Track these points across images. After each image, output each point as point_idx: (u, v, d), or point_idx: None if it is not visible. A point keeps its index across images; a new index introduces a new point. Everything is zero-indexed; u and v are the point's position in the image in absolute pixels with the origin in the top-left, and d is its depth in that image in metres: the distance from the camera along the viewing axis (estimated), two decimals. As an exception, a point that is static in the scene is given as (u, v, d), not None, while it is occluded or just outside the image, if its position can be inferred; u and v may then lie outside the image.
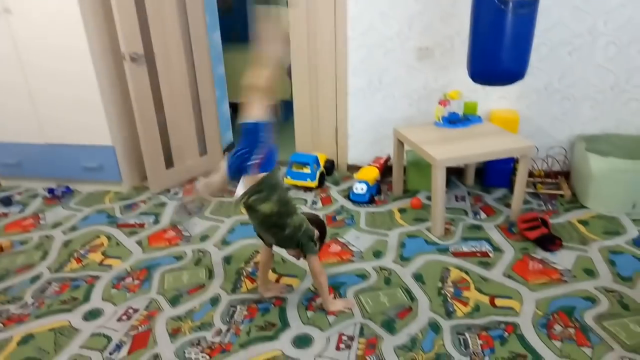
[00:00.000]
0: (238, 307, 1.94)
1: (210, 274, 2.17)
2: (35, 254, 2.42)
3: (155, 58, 2.85)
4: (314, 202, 2.84)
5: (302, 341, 1.72)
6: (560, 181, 2.85)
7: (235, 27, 5.70)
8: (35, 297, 2.07)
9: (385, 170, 3.07)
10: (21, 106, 2.96)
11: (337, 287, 2.02)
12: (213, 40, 3.40)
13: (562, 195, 2.73)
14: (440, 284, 2.01)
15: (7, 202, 3.00)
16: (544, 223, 2.32)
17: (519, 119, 2.78)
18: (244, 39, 5.78)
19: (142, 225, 2.65)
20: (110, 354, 1.71)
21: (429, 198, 2.78)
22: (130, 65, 2.70)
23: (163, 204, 2.91)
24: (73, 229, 2.66)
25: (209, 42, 3.26)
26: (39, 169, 3.16)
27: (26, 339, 1.81)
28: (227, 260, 2.28)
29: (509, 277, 2.04)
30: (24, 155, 3.13)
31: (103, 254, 2.39)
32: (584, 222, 2.46)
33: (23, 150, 3.11)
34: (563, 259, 2.15)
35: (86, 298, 2.04)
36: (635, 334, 1.67)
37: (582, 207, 2.61)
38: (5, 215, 2.87)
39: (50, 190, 3.08)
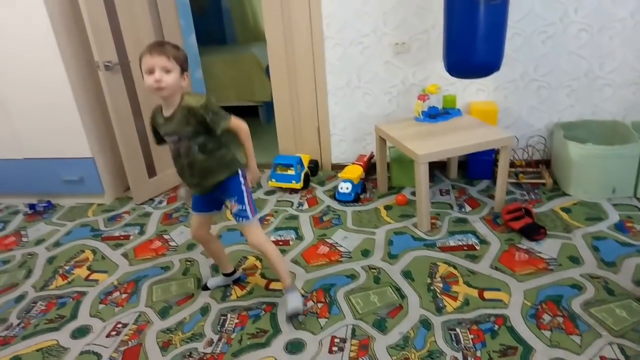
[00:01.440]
0: (228, 315, 1.93)
1: (199, 283, 2.15)
2: (19, 273, 2.37)
3: (130, 65, 2.80)
4: (300, 204, 2.84)
5: (295, 346, 1.72)
6: (541, 170, 2.89)
7: (210, 29, 5.65)
8: (20, 317, 2.03)
9: (370, 167, 3.07)
10: (-5, 122, 2.89)
11: (327, 289, 2.02)
12: (189, 44, 3.36)
13: (544, 184, 2.77)
14: (429, 280, 2.03)
15: (-14, 220, 2.94)
16: (528, 213, 2.36)
17: (498, 110, 2.81)
18: (221, 41, 5.76)
19: (127, 237, 2.62)
20: (101, 372, 1.69)
21: (414, 194, 2.80)
22: (105, 74, 2.65)
23: (148, 214, 2.87)
24: (57, 244, 2.62)
25: (185, 46, 3.21)
26: (19, 185, 3.09)
27: (13, 362, 1.78)
28: (215, 268, 2.26)
29: (496, 269, 2.06)
30: (2, 172, 3.06)
31: (89, 268, 2.36)
32: (566, 210, 2.50)
33: (1, 166, 3.04)
34: (548, 247, 2.18)
35: (73, 315, 2.01)
36: (622, 318, 1.71)
37: (564, 194, 2.66)
38: (-15, 234, 2.81)
39: (32, 206, 3.02)
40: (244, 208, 1.78)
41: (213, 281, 2.12)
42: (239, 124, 1.73)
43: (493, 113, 2.76)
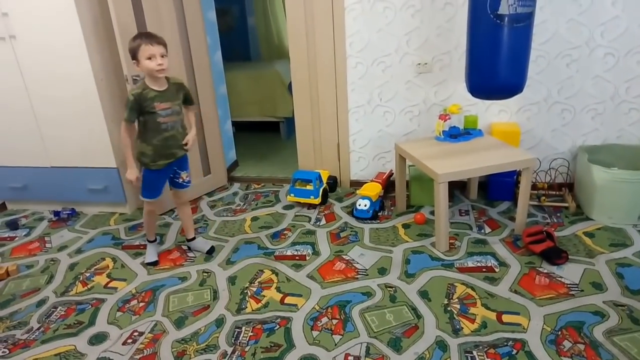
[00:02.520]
0: (243, 328, 1.93)
1: (215, 295, 2.17)
2: (41, 278, 2.43)
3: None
4: (318, 220, 2.85)
5: (308, 362, 1.71)
6: (564, 193, 2.84)
7: (235, 46, 5.79)
8: (41, 321, 2.07)
9: (388, 185, 3.07)
10: (27, 131, 3.00)
11: (342, 306, 2.01)
12: (214, 60, 3.45)
13: (566, 208, 2.72)
14: (446, 301, 2.00)
15: (14, 225, 3.02)
16: (549, 236, 2.31)
17: (520, 132, 2.79)
18: (245, 58, 5.90)
19: (146, 247, 2.65)
20: (116, 379, 1.71)
21: (432, 213, 2.78)
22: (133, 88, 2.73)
23: (167, 225, 2.91)
24: (79, 251, 2.68)
25: (211, 62, 3.30)
26: (45, 192, 3.18)
27: (32, 365, 1.81)
28: (232, 280, 2.27)
29: (516, 292, 2.02)
30: (30, 179, 3.16)
31: (108, 276, 2.40)
32: (589, 235, 2.44)
33: (29, 174, 3.14)
34: (570, 272, 2.13)
35: (92, 322, 2.04)
36: (646, 348, 1.65)
37: (587, 219, 2.60)
38: (11, 239, 2.89)
39: (56, 213, 3.11)
40: (190, 178, 2.44)
41: (153, 255, 2.53)
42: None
43: (515, 135, 2.74)
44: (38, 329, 2.03)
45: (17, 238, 2.89)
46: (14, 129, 3.02)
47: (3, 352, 1.89)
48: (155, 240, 2.57)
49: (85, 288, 2.31)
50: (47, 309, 2.16)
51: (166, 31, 2.87)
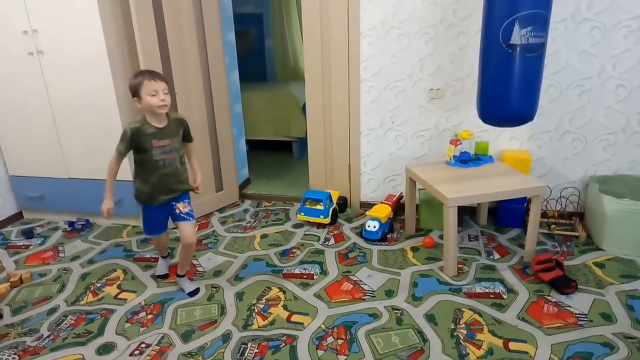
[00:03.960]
0: (249, 344, 1.94)
1: (223, 310, 2.19)
2: (53, 287, 2.47)
3: (176, 97, 2.97)
4: (327, 239, 2.87)
5: (312, 381, 1.71)
6: (574, 222, 2.83)
7: (252, 67, 5.93)
8: (51, 329, 2.10)
9: (398, 208, 3.09)
10: (48, 142, 3.09)
11: (348, 326, 2.02)
12: (231, 80, 3.54)
13: (576, 237, 2.71)
14: (453, 325, 1.99)
15: (29, 234, 3.09)
16: (559, 265, 2.30)
17: (531, 159, 2.80)
18: (261, 79, 6.03)
19: (157, 260, 2.69)
20: (122, 389, 1.72)
21: (441, 237, 2.78)
22: (152, 105, 2.82)
23: (179, 239, 2.95)
24: (91, 262, 2.72)
25: (228, 82, 3.39)
26: (61, 203, 3.26)
27: (40, 372, 1.83)
28: (240, 296, 2.29)
29: (523, 319, 2.01)
30: (48, 189, 3.24)
31: (119, 287, 2.43)
32: (600, 265, 2.42)
33: (47, 184, 3.22)
34: (579, 302, 2.11)
35: (100, 332, 2.07)
36: (655, 382, 1.62)
37: (598, 249, 2.58)
38: (26, 247, 2.95)
39: (71, 224, 3.17)
40: (192, 209, 2.27)
41: (163, 268, 2.53)
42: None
43: (526, 162, 2.75)
44: (48, 336, 2.06)
45: (31, 246, 2.95)
46: (36, 140, 3.11)
47: (13, 358, 1.92)
48: (167, 255, 2.58)
49: (96, 298, 2.35)
50: (57, 317, 2.19)
51: (187, 51, 2.97)
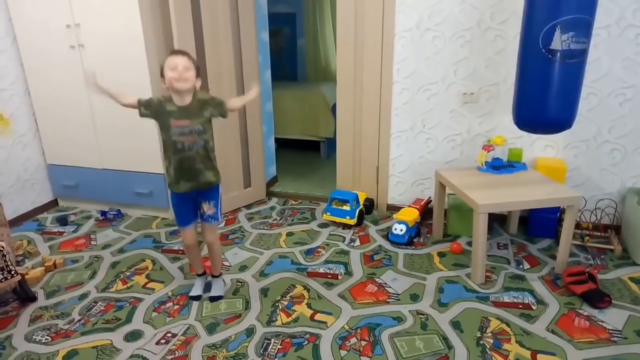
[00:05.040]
0: (272, 340, 1.95)
1: (247, 305, 2.21)
2: (84, 273, 2.54)
3: (209, 93, 3.01)
4: (352, 240, 2.86)
5: (335, 381, 1.71)
6: (610, 235, 2.74)
7: (284, 66, 5.96)
8: (82, 314, 2.17)
9: (426, 212, 3.05)
10: (85, 134, 3.19)
11: (372, 328, 2.01)
12: (264, 79, 3.57)
13: (611, 250, 2.62)
14: (479, 334, 1.95)
15: (64, 221, 3.19)
16: (592, 278, 2.23)
17: (567, 169, 2.72)
18: (292, 78, 6.06)
19: (184, 252, 2.74)
20: (148, 376, 1.76)
21: (469, 244, 2.74)
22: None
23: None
24: (121, 251, 2.79)
25: (260, 80, 3.42)
26: (95, 192, 3.35)
27: (71, 354, 1.89)
28: (264, 292, 2.31)
29: (553, 332, 1.95)
30: (83, 179, 3.34)
31: (147, 277, 2.49)
32: (636, 281, 2.33)
33: (82, 174, 3.33)
34: (613, 318, 2.04)
35: (128, 319, 2.12)
36: (693, 405, 1.55)
37: (634, 264, 2.49)
38: (60, 234, 3.05)
39: (103, 213, 3.26)
40: (217, 212, 2.18)
41: (197, 289, 2.32)
42: (233, 103, 2.13)
43: (561, 171, 2.68)
44: (79, 321, 2.12)
45: (65, 233, 3.05)
46: (73, 130, 3.22)
47: (46, 339, 1.99)
48: (203, 274, 2.35)
49: (125, 286, 2.40)
50: (88, 303, 2.26)
51: (222, 48, 3.02)
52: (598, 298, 2.12)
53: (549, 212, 2.75)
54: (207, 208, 2.14)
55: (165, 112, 1.98)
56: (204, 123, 2.00)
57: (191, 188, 2.06)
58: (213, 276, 2.35)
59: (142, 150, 3.08)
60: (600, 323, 2.00)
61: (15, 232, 3.04)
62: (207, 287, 2.33)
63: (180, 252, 2.75)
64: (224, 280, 2.39)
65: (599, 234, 2.78)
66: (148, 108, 2.02)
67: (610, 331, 1.95)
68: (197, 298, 2.27)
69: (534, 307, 2.13)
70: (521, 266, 2.50)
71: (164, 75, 1.94)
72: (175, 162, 2.01)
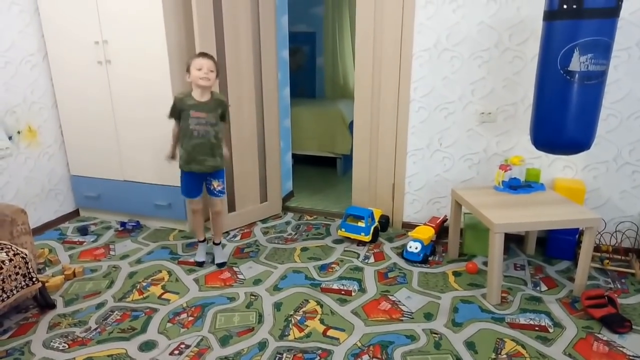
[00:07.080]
0: (284, 354, 1.95)
1: (260, 318, 2.22)
2: (102, 282, 2.59)
3: (229, 109, 3.08)
4: (367, 257, 2.85)
5: (346, 398, 1.70)
6: (631, 259, 2.68)
7: (302, 84, 6.05)
8: (98, 323, 2.21)
9: (441, 231, 3.04)
10: (108, 147, 3.28)
11: (385, 346, 1.99)
12: (282, 95, 3.64)
13: (632, 274, 2.56)
14: (494, 355, 1.92)
15: (84, 231, 3.27)
16: (611, 302, 2.18)
17: (586, 190, 2.69)
18: (311, 95, 6.14)
19: (201, 264, 2.78)
20: (160, 386, 1.77)
21: (485, 264, 2.71)
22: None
23: (222, 246, 3.03)
24: (139, 261, 2.84)
25: (279, 97, 3.48)
26: (115, 204, 3.43)
27: (87, 362, 1.92)
28: (277, 306, 2.32)
29: (570, 356, 1.91)
30: (104, 190, 3.42)
31: (163, 288, 2.52)
32: (657, 306, 2.28)
33: (104, 185, 3.41)
34: (633, 343, 1.99)
35: (143, 329, 2.15)
36: None
37: (656, 288, 2.43)
38: (81, 243, 3.12)
39: (122, 224, 3.33)
40: (224, 188, 2.70)
41: (201, 255, 2.81)
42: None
43: (580, 192, 2.65)
44: (95, 329, 2.16)
45: (85, 243, 3.12)
46: (97, 143, 3.31)
47: (63, 346, 2.03)
48: (204, 240, 2.82)
49: (141, 296, 2.44)
50: (105, 312, 2.30)
51: (242, 66, 3.09)
52: (618, 323, 2.07)
53: (568, 233, 2.71)
54: (217, 185, 2.64)
55: (186, 106, 2.45)
56: (217, 117, 2.51)
57: (200, 170, 2.54)
58: (215, 244, 2.81)
59: (162, 163, 3.14)
60: (620, 349, 1.96)
61: (37, 241, 3.12)
62: (210, 257, 2.82)
63: (195, 264, 2.78)
64: (222, 247, 2.88)
65: (619, 257, 2.72)
66: (175, 112, 2.51)
67: (630, 357, 1.90)
68: (201, 264, 2.75)
69: (550, 330, 2.09)
70: (538, 288, 2.46)
71: (190, 71, 2.40)
72: (189, 147, 2.48)
